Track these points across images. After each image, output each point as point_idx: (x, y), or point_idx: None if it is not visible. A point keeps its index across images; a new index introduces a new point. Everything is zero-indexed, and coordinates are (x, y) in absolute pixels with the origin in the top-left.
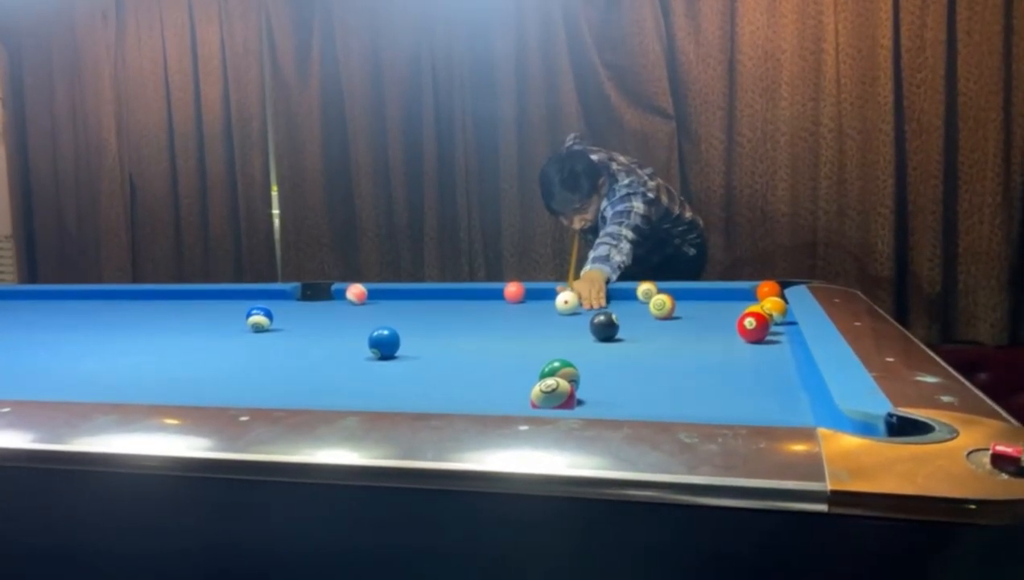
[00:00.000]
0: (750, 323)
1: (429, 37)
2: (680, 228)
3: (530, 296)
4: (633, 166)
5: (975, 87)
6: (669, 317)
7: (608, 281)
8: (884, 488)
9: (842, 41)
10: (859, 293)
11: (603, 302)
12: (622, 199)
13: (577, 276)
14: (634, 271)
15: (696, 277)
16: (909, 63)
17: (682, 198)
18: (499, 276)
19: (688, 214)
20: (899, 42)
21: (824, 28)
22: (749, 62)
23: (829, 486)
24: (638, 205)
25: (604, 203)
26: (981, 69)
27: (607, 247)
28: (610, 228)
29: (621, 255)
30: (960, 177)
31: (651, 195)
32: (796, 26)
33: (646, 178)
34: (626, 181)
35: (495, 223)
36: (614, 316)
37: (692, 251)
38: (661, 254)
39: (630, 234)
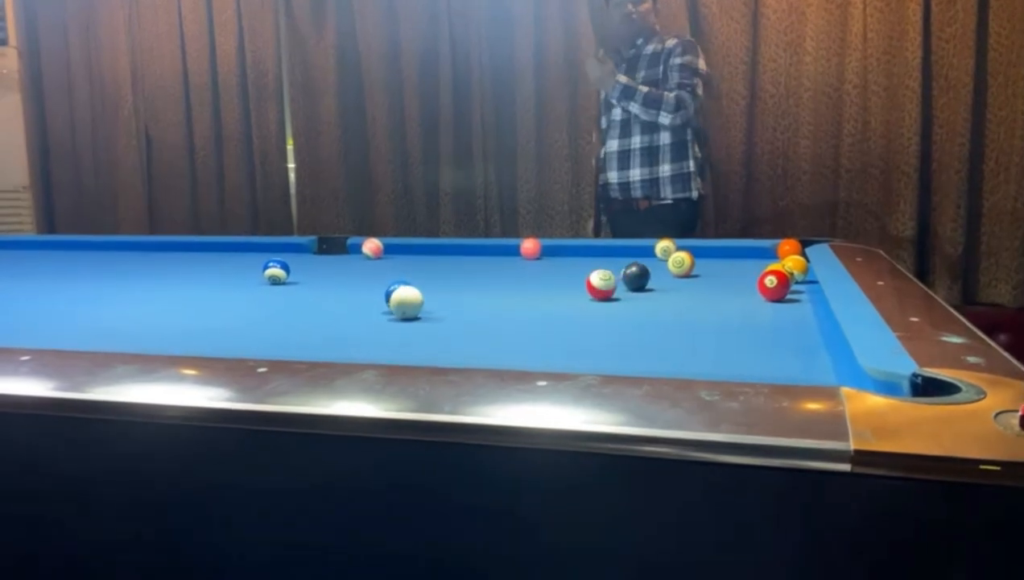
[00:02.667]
0: (771, 281)
1: None
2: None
3: (547, 252)
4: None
5: (1007, 42)
6: (688, 275)
7: (615, 86)
8: (909, 448)
9: None
10: (881, 252)
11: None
12: (688, 48)
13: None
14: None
15: (687, 231)
16: (939, 16)
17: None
18: (514, 232)
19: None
20: None
21: None
22: (773, 15)
23: (853, 445)
24: (701, 63)
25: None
26: (1013, 23)
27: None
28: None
29: (664, 101)
30: (987, 135)
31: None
32: None
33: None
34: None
35: (511, 178)
36: (646, 267)
37: (694, 193)
38: (657, 162)
39: (689, 101)
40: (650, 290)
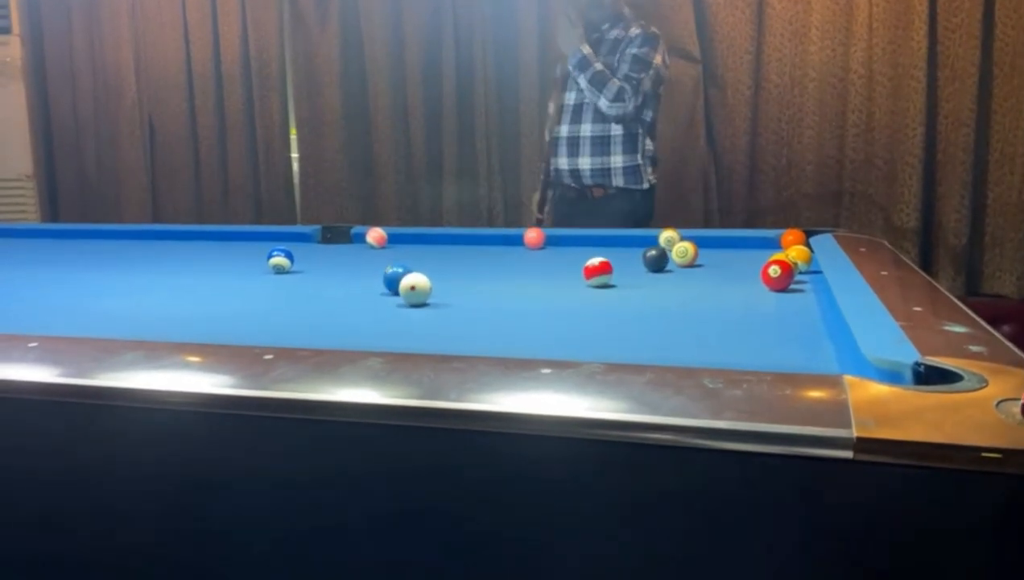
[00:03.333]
0: (775, 271)
1: None
2: (647, 138)
3: (550, 242)
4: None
5: (1013, 33)
6: (692, 265)
7: (575, 53)
8: (911, 436)
9: None
10: (885, 242)
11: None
12: (647, 39)
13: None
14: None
15: (641, 222)
16: (944, 6)
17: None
18: (517, 222)
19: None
20: None
21: None
22: (778, 4)
23: (855, 433)
24: (657, 59)
25: (626, 37)
26: (1020, 13)
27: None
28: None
29: (608, 85)
30: (992, 126)
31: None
32: None
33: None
34: (638, 31)
35: (515, 168)
36: (667, 250)
37: (645, 185)
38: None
39: (649, 88)
40: (654, 279)
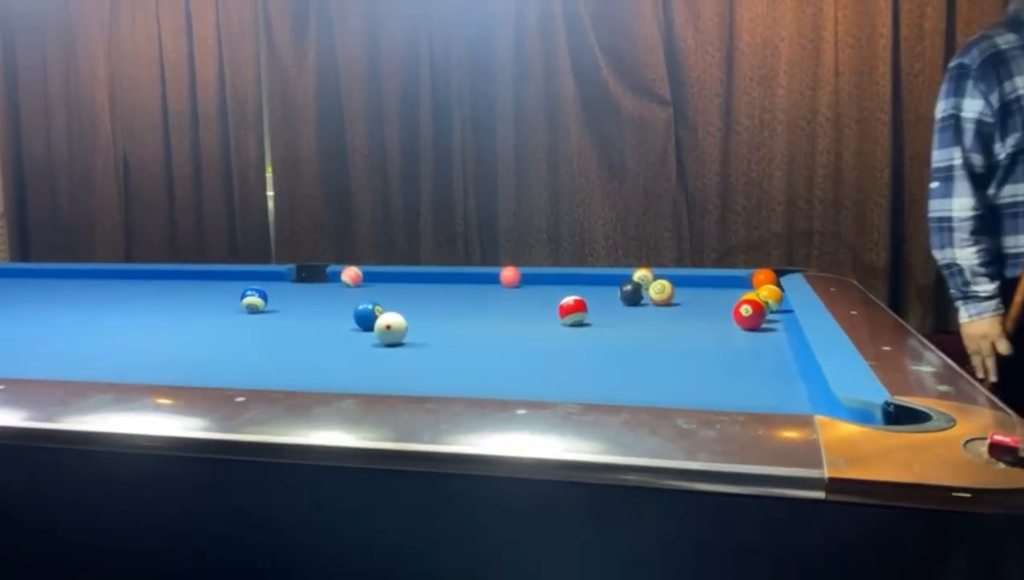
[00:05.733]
0: (746, 310)
1: (427, 19)
2: None
3: (526, 281)
4: None
5: None
6: (668, 302)
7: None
8: (881, 476)
9: (841, 30)
10: (855, 282)
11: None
12: None
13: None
14: None
15: None
16: (908, 53)
17: None
18: (494, 260)
19: None
20: (898, 32)
21: (824, 16)
22: (748, 49)
23: (827, 473)
24: None
25: None
26: None
27: None
28: None
29: None
30: None
31: None
32: (795, 14)
33: None
34: None
35: (491, 207)
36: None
37: None
38: None
39: None
40: (629, 318)
